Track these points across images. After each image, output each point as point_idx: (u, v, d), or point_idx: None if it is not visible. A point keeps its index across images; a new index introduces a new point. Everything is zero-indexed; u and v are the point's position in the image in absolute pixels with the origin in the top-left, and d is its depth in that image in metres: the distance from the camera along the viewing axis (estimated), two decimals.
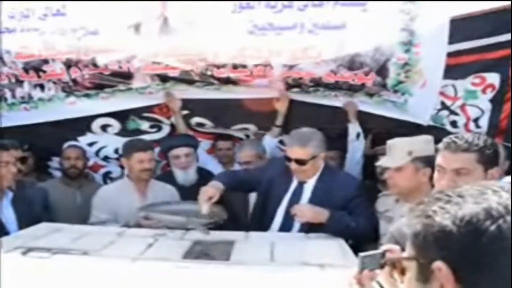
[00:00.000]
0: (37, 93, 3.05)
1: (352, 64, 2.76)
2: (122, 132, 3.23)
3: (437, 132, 2.49)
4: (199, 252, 1.92)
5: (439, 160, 1.55)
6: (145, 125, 3.25)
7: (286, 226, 2.39)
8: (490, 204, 0.61)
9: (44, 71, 2.97)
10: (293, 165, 2.36)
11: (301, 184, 2.43)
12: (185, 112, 3.17)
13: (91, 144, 3.26)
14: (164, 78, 2.95)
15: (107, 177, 3.41)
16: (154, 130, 3.28)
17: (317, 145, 2.36)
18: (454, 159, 1.49)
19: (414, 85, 2.78)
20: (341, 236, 2.18)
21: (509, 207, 0.60)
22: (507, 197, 0.62)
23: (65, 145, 3.16)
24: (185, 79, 2.93)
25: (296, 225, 2.36)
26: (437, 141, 1.81)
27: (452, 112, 2.93)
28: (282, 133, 3.15)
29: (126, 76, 2.94)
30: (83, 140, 3.24)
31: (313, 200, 2.35)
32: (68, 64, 2.94)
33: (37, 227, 2.22)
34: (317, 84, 2.86)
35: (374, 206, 2.43)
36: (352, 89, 2.87)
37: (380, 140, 2.65)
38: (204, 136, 3.33)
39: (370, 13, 2.72)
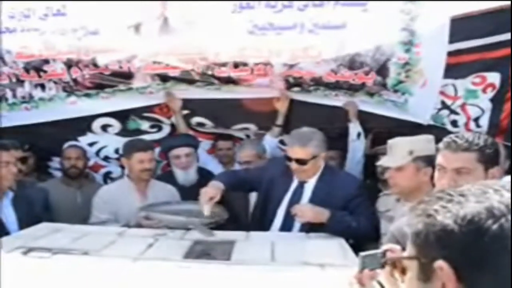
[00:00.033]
0: (38, 93, 3.05)
1: (353, 63, 2.76)
2: (123, 132, 3.23)
3: (438, 132, 2.49)
4: (199, 252, 1.92)
5: (439, 159, 1.55)
6: (145, 125, 3.25)
7: (286, 226, 2.39)
8: (492, 203, 0.61)
9: (45, 71, 2.97)
10: (293, 165, 2.36)
11: (301, 184, 2.43)
12: (185, 112, 3.17)
13: (91, 144, 3.27)
14: (164, 78, 2.95)
15: (107, 177, 3.41)
16: (154, 130, 3.28)
17: (317, 145, 2.35)
18: (455, 158, 1.49)
19: (414, 84, 2.77)
20: (342, 236, 2.18)
21: (511, 206, 0.60)
22: (509, 196, 0.62)
23: (66, 145, 3.16)
24: (186, 79, 2.93)
25: (297, 225, 2.36)
26: (437, 140, 1.81)
27: (453, 112, 2.93)
28: (282, 133, 3.14)
29: (126, 76, 2.94)
30: (83, 140, 3.24)
31: (313, 200, 2.35)
32: (69, 64, 2.94)
33: (38, 227, 2.22)
34: (318, 83, 2.86)
35: (375, 206, 2.43)
36: (353, 88, 2.87)
37: (380, 140, 2.65)
38: (205, 136, 3.33)
39: (371, 13, 2.72)
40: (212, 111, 3.18)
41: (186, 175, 2.93)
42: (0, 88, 3.01)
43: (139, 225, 2.37)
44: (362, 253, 1.06)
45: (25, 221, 2.27)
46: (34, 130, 3.09)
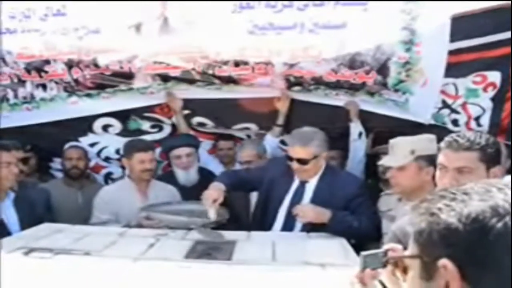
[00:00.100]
0: (39, 93, 3.05)
1: (353, 63, 2.75)
2: (123, 132, 3.23)
3: (439, 131, 2.48)
4: (201, 252, 1.92)
5: (441, 158, 1.54)
6: (146, 125, 3.25)
7: (288, 226, 2.38)
8: (496, 201, 0.61)
9: (46, 71, 2.98)
10: (294, 165, 2.36)
11: (302, 184, 2.42)
12: (186, 112, 3.17)
13: (92, 145, 3.27)
14: (165, 78, 2.95)
15: (108, 178, 3.41)
16: (155, 130, 3.28)
17: (318, 145, 2.35)
18: (456, 157, 1.49)
19: (415, 84, 2.77)
20: (343, 236, 2.17)
21: None
22: None
23: (67, 145, 3.17)
24: (186, 79, 2.93)
25: (298, 225, 2.36)
26: (438, 139, 1.81)
27: (453, 111, 2.93)
28: (283, 133, 3.14)
29: (127, 76, 2.94)
30: (84, 141, 3.24)
31: (314, 200, 2.35)
32: (70, 65, 2.94)
33: (39, 228, 2.22)
34: (318, 82, 2.86)
35: (376, 206, 2.43)
36: (353, 88, 2.87)
37: (381, 139, 2.65)
38: (205, 136, 3.33)
39: (371, 13, 2.72)
40: (212, 111, 3.18)
41: (187, 175, 2.93)
42: (1, 88, 3.02)
43: (140, 225, 2.37)
44: (364, 253, 1.06)
45: (26, 222, 2.27)
46: (35, 130, 3.09)
